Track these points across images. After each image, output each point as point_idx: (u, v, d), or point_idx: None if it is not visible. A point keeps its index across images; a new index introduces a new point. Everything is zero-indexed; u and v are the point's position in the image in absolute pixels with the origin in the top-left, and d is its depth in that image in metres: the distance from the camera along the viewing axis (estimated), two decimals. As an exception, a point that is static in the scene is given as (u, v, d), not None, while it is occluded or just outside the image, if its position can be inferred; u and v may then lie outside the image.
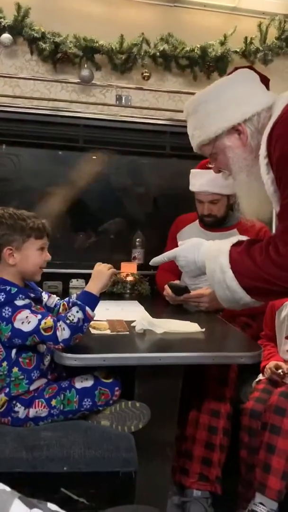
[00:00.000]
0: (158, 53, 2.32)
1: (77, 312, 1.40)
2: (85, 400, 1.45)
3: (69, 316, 1.40)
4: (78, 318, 1.39)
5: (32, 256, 1.47)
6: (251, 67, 1.36)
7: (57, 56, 2.28)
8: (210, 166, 1.41)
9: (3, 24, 2.20)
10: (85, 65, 2.31)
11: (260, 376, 1.84)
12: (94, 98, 2.40)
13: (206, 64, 2.38)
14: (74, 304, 1.44)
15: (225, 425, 1.69)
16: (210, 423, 1.69)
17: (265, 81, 1.33)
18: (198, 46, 2.36)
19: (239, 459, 1.69)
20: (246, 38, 2.41)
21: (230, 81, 1.30)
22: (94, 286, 1.48)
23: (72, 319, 1.39)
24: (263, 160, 1.17)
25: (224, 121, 1.25)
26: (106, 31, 2.30)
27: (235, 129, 1.25)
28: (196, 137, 1.32)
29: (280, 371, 1.74)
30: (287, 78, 2.49)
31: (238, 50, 2.38)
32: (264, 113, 1.24)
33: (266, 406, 1.64)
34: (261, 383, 1.80)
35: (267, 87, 1.33)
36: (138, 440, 1.43)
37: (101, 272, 1.51)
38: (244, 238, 1.26)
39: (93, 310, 1.44)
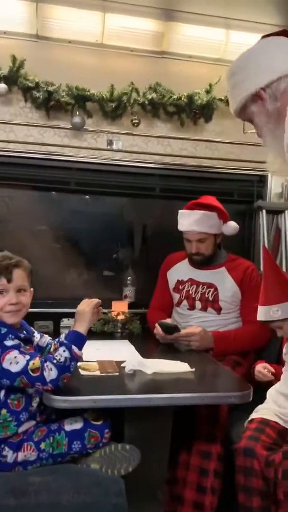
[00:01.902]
0: (146, 101, 2.43)
1: (64, 351, 1.42)
2: (75, 442, 1.44)
3: (56, 356, 1.41)
4: (65, 358, 1.41)
5: None
6: (284, 32, 1.39)
7: (50, 103, 2.37)
8: (252, 132, 1.47)
9: (-1, 75, 2.31)
10: (77, 112, 2.39)
11: (252, 415, 1.82)
12: (86, 143, 2.48)
13: (193, 111, 2.50)
14: (61, 344, 1.46)
15: (216, 467, 1.67)
16: (201, 465, 1.67)
17: None
18: (185, 94, 2.47)
19: (237, 504, 1.62)
20: (230, 86, 2.53)
21: (253, 52, 1.37)
22: (79, 326, 1.50)
23: (59, 359, 1.40)
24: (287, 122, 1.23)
25: (246, 90, 1.33)
26: (97, 81, 2.39)
27: (257, 96, 1.32)
28: (231, 106, 1.42)
29: (266, 370, 1.89)
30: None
31: (222, 98, 2.49)
32: (285, 78, 1.29)
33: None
34: (254, 422, 1.79)
35: None
36: (128, 483, 1.41)
37: (83, 311, 1.53)
38: None
39: (80, 349, 1.46)
